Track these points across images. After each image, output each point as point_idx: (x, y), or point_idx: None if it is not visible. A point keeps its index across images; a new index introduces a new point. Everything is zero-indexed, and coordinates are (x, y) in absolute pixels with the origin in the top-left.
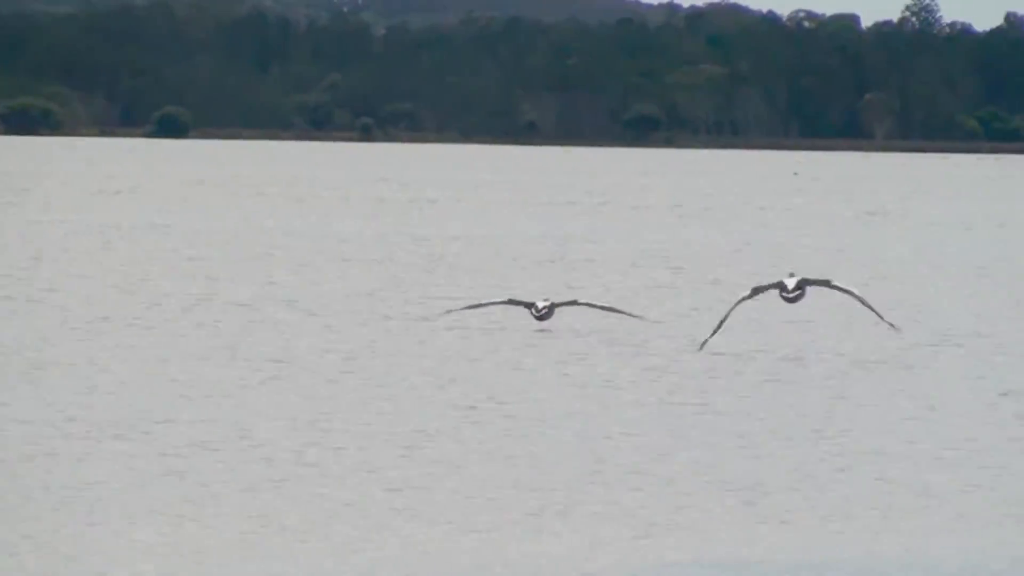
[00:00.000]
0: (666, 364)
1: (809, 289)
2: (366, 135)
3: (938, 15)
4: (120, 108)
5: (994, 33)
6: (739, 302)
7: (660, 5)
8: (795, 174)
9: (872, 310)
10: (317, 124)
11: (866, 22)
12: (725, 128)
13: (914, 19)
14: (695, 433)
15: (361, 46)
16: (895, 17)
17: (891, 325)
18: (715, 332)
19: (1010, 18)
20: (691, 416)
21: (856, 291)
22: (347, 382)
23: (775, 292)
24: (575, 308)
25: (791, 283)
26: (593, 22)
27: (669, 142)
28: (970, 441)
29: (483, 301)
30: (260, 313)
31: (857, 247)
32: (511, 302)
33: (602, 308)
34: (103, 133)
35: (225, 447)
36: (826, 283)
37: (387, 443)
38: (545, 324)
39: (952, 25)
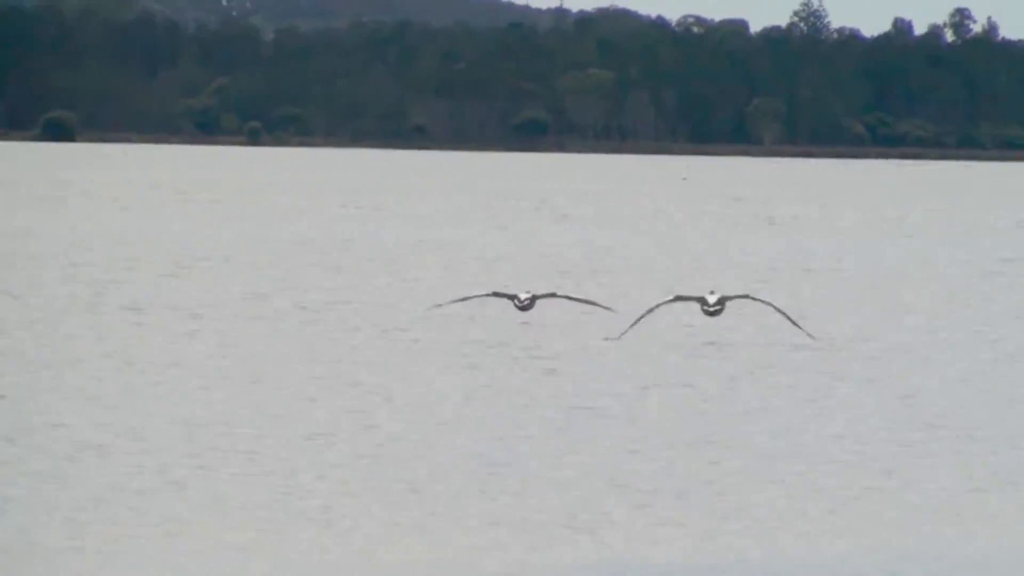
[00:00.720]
0: (559, 367)
1: (730, 304)
2: (254, 139)
3: (826, 21)
4: (6, 111)
5: (882, 39)
6: (659, 305)
7: (549, 10)
8: (684, 179)
9: (790, 320)
10: (205, 128)
11: (755, 27)
12: (614, 133)
13: (802, 25)
14: (589, 435)
15: (250, 50)
16: (784, 23)
17: (809, 335)
18: (632, 326)
19: (898, 24)
20: (585, 418)
21: (776, 303)
22: (226, 384)
23: (696, 305)
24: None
25: (712, 299)
26: (482, 26)
27: (559, 147)
28: (867, 444)
29: (469, 295)
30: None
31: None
32: (495, 295)
33: (579, 301)
34: None
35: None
36: (745, 296)
37: (284, 446)
38: (526, 315)
39: (840, 31)
